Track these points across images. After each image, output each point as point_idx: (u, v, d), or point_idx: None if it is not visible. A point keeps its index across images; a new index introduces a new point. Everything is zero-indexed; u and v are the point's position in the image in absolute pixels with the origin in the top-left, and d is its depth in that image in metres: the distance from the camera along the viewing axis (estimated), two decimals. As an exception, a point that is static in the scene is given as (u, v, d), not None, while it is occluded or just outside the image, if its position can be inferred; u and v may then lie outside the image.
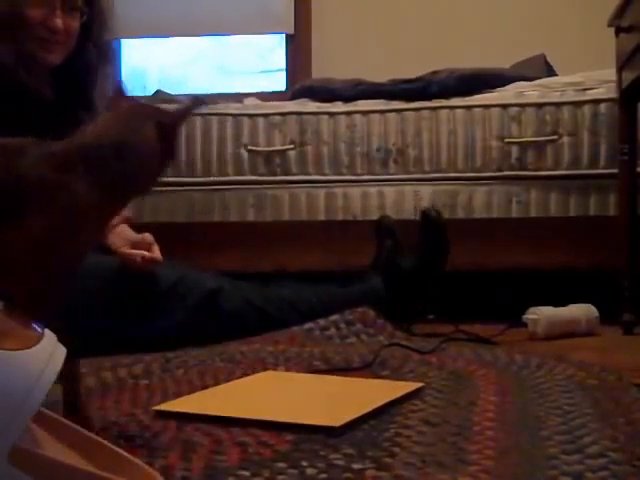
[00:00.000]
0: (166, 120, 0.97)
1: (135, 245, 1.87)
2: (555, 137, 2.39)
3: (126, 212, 1.92)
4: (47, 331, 0.69)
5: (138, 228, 1.93)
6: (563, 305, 2.10)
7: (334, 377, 1.37)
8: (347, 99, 2.56)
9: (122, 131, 0.93)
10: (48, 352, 0.66)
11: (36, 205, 0.82)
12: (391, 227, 2.17)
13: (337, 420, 1.02)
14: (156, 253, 1.86)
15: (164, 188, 2.52)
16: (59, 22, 1.76)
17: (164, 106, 1.07)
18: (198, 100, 1.10)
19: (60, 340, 0.70)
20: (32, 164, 0.83)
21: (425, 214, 2.13)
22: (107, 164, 0.90)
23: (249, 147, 2.52)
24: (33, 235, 0.82)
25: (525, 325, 2.05)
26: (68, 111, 1.84)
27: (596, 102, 2.38)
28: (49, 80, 1.74)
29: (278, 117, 2.53)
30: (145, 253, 1.84)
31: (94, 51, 1.88)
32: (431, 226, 2.09)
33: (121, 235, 1.89)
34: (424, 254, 2.09)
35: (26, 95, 1.69)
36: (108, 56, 1.92)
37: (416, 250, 2.11)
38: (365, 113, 2.51)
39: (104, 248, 1.85)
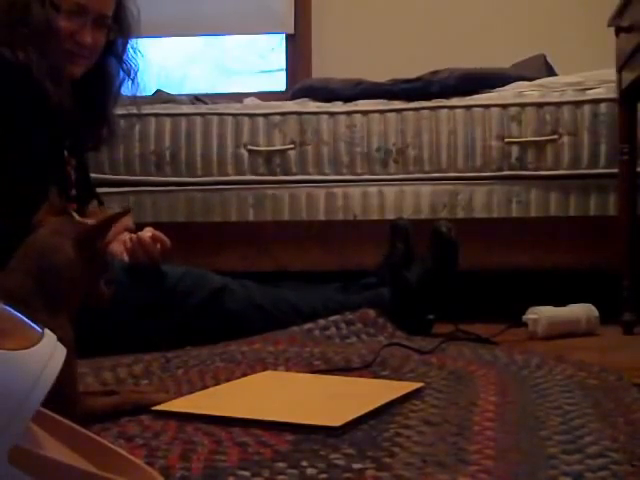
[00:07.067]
0: (83, 237, 1.06)
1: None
2: (555, 137, 2.39)
3: (128, 221, 1.92)
4: (47, 331, 0.69)
5: (139, 229, 1.93)
6: (563, 305, 2.10)
7: (334, 377, 1.37)
8: (347, 99, 2.56)
9: (40, 256, 1.02)
10: (48, 352, 0.66)
11: None
12: (405, 230, 2.13)
13: (337, 420, 1.02)
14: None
15: (164, 188, 2.53)
16: (88, 37, 1.77)
17: (86, 220, 1.12)
18: (119, 214, 1.14)
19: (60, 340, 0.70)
20: None
21: (436, 228, 2.06)
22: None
23: (249, 147, 2.52)
24: None
25: (525, 325, 2.05)
26: (85, 124, 1.86)
27: (596, 102, 2.38)
28: (70, 92, 1.75)
29: (278, 117, 2.53)
30: (153, 230, 1.85)
31: (116, 66, 1.90)
32: (441, 241, 2.05)
33: (123, 245, 1.89)
34: (432, 268, 2.05)
35: (48, 106, 1.70)
36: (131, 71, 1.93)
37: (424, 262, 2.08)
38: (365, 113, 2.51)
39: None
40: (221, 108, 2.58)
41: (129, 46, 1.92)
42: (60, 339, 0.70)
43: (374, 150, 2.49)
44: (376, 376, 1.40)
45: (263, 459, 0.90)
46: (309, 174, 2.50)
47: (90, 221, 1.10)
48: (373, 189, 2.47)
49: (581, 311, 2.10)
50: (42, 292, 1.01)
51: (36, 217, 1.10)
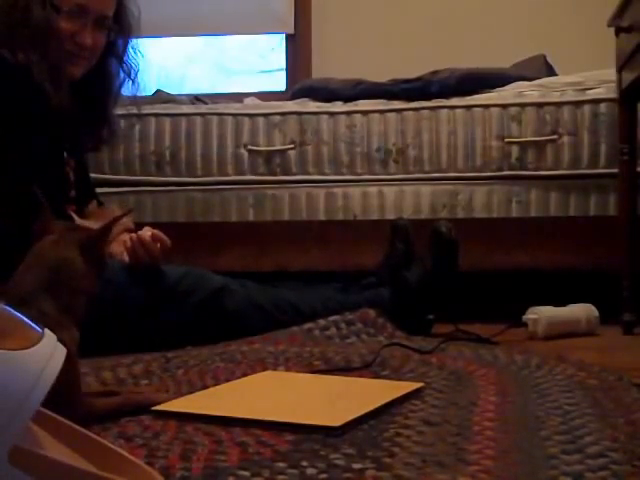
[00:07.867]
0: (87, 243, 1.10)
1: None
2: (555, 137, 2.39)
3: (128, 222, 1.92)
4: (47, 331, 0.69)
5: (138, 229, 1.93)
6: (563, 305, 2.10)
7: (334, 377, 1.37)
8: (347, 99, 2.56)
9: (49, 267, 1.06)
10: (48, 352, 0.66)
11: None
12: (405, 230, 2.12)
13: (337, 420, 1.02)
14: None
15: (164, 188, 2.53)
16: (89, 38, 1.78)
17: (86, 224, 1.16)
18: (121, 215, 1.20)
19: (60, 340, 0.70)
20: None
21: (436, 228, 2.06)
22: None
23: (249, 147, 2.52)
24: None
25: (525, 325, 2.05)
26: (85, 124, 1.86)
27: (596, 102, 2.38)
28: (70, 93, 1.76)
29: (278, 117, 2.53)
30: (152, 229, 1.85)
31: (116, 66, 1.90)
32: (441, 241, 2.04)
33: (123, 245, 1.89)
34: (432, 268, 2.04)
35: (48, 106, 1.71)
36: (131, 72, 1.94)
37: (424, 262, 2.07)
38: (365, 113, 2.51)
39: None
40: (221, 108, 2.58)
41: (129, 46, 1.93)
42: (65, 341, 0.70)
43: (374, 150, 2.49)
44: (376, 376, 1.40)
45: (263, 459, 0.90)
46: (309, 174, 2.50)
47: (91, 223, 1.11)
48: (373, 189, 2.47)
49: (581, 311, 2.10)
50: (51, 298, 1.03)
51: (36, 224, 1.11)
